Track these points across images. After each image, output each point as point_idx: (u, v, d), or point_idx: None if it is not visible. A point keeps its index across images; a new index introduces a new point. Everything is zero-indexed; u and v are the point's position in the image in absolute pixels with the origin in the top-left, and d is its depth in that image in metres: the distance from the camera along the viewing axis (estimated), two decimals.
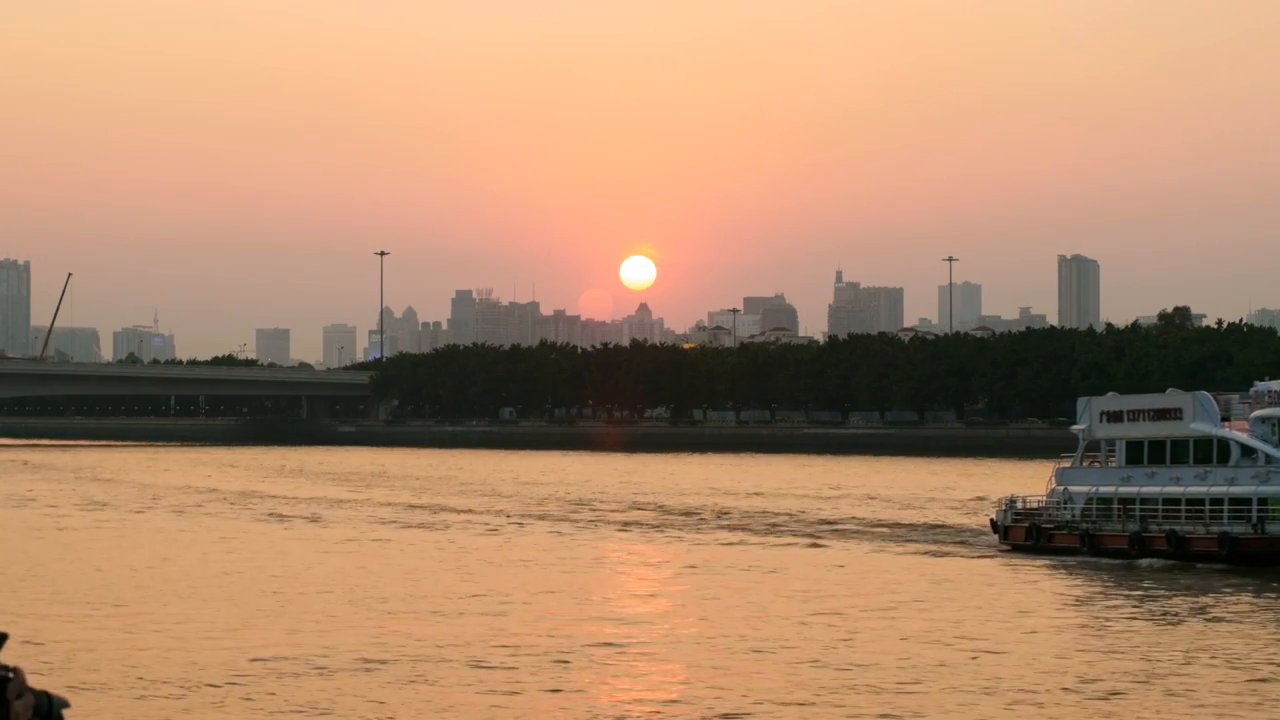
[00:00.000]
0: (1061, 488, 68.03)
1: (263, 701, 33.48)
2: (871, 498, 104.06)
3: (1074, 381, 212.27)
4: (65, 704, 4.48)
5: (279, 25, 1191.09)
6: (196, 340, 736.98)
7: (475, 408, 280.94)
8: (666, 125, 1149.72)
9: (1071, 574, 59.48)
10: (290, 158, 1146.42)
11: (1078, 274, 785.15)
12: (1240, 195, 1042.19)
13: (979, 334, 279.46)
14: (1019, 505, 69.75)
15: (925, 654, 39.66)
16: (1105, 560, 62.25)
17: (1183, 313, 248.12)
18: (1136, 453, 65.93)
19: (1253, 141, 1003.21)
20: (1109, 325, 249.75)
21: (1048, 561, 62.77)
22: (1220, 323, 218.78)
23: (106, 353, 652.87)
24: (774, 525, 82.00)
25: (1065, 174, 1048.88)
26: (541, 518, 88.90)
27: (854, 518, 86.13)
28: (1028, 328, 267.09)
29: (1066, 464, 69.75)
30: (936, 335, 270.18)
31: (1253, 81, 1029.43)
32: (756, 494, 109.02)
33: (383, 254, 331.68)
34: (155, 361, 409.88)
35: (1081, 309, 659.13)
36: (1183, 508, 62.25)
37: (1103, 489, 65.89)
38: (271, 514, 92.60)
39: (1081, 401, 72.14)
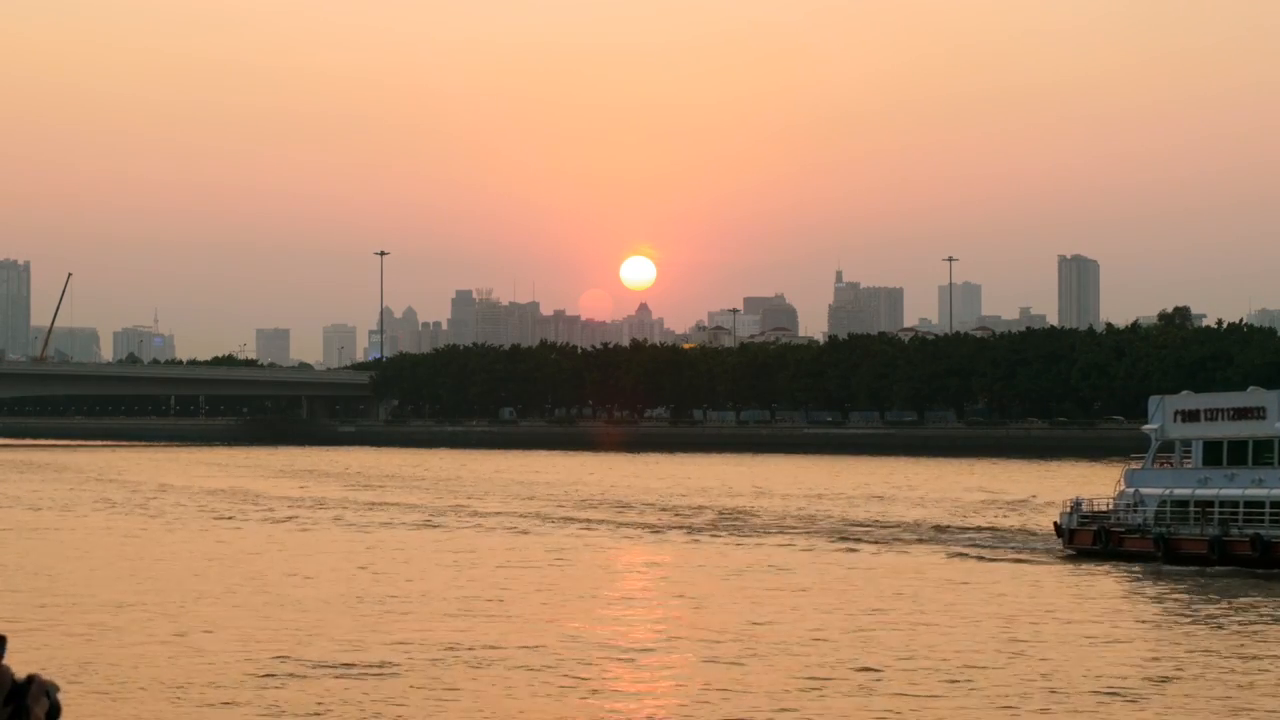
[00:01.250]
0: (1132, 490, 64.94)
1: (271, 703, 33.49)
2: (909, 500, 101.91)
3: (1074, 381, 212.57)
4: (57, 688, 4.66)
5: (279, 25, 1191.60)
6: (196, 340, 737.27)
7: (475, 408, 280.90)
8: (666, 125, 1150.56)
9: (1150, 579, 57.03)
10: (290, 158, 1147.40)
11: (1078, 274, 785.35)
12: (1240, 195, 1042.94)
13: (979, 334, 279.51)
14: (1085, 507, 66.67)
15: (992, 662, 38.42)
16: (1183, 565, 59.59)
17: (1183, 313, 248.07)
18: (1215, 453, 62.99)
19: (1253, 141, 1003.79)
20: (1109, 325, 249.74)
21: (1120, 567, 60.26)
22: (1220, 323, 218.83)
23: (106, 353, 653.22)
24: (816, 529, 79.77)
25: (1065, 174, 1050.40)
26: (546, 518, 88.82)
27: (903, 521, 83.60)
28: (1028, 328, 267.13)
29: (1136, 465, 66.82)
30: (936, 335, 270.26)
31: (1253, 81, 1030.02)
32: (786, 495, 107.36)
33: (383, 254, 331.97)
34: (155, 361, 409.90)
35: (1081, 309, 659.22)
36: (1267, 511, 59.33)
37: (1178, 491, 62.76)
38: (275, 515, 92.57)
39: (1153, 400, 68.47)
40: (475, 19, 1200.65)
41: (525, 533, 79.12)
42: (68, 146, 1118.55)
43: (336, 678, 35.97)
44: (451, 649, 39.96)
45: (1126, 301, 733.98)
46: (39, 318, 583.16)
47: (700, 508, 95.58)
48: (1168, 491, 63.26)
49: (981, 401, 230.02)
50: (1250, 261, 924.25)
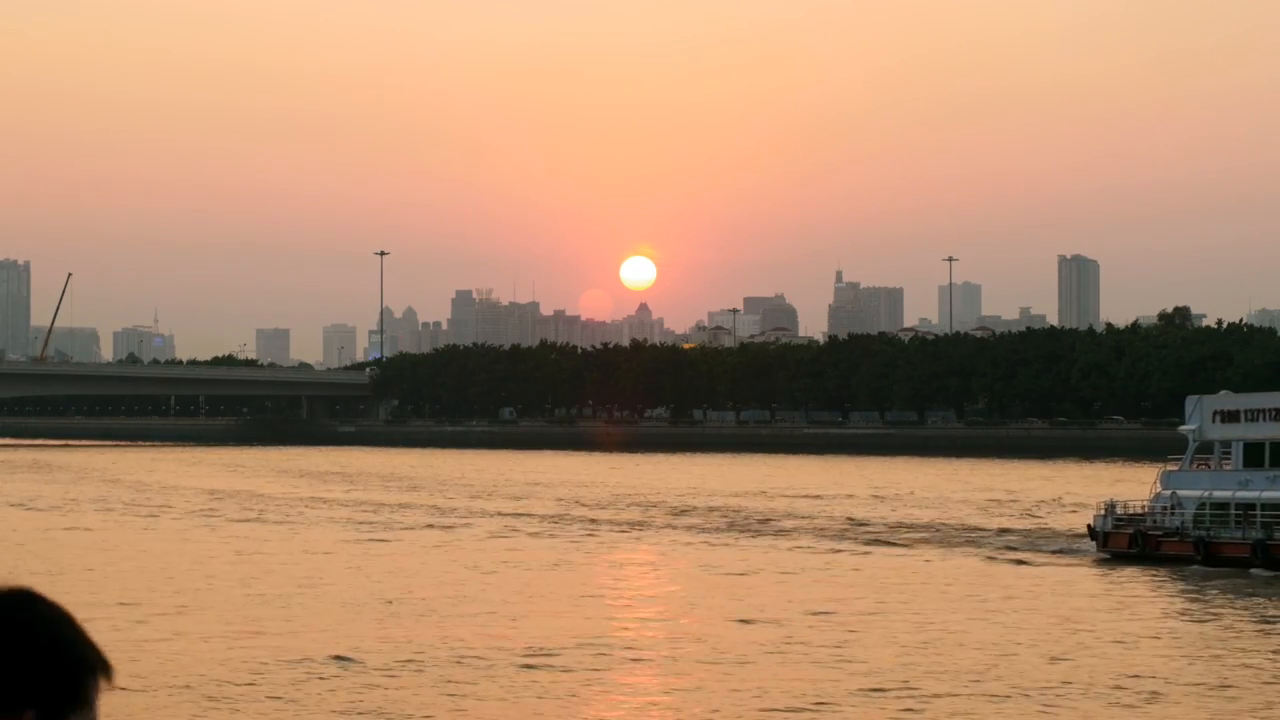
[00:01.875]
0: (1169, 492, 63.58)
1: (277, 704, 33.56)
2: (923, 500, 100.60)
3: (1074, 381, 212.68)
4: None
5: (279, 25, 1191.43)
6: (196, 340, 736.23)
7: (475, 408, 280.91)
8: (666, 124, 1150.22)
9: (1192, 583, 55.67)
10: (291, 157, 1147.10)
11: (1078, 274, 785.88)
12: (1240, 195, 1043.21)
13: (979, 334, 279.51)
14: (1119, 510, 65.07)
15: (1034, 669, 37.83)
16: (1224, 569, 58.40)
17: (1183, 313, 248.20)
18: (1256, 455, 61.76)
19: (1252, 141, 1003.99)
20: (1109, 325, 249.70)
21: (1159, 570, 58.87)
22: (1220, 323, 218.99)
23: (106, 353, 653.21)
24: (835, 530, 78.48)
25: (1065, 174, 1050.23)
26: (550, 518, 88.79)
27: (923, 522, 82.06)
28: (1028, 328, 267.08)
29: (1173, 467, 65.38)
30: (936, 335, 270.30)
31: (1253, 81, 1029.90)
32: (796, 496, 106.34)
33: (383, 254, 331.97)
34: (155, 361, 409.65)
35: (1081, 309, 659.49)
36: None
37: (1218, 493, 61.53)
38: (278, 515, 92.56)
39: (1191, 400, 67.02)
40: (475, 19, 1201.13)
41: (529, 534, 79.12)
42: (68, 146, 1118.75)
43: (341, 679, 36.02)
44: (456, 650, 39.99)
45: (1126, 301, 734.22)
46: (39, 318, 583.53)
47: (706, 508, 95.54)
48: (1207, 494, 62.03)
49: (981, 401, 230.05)
50: (1250, 261, 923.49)
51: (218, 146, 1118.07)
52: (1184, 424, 66.64)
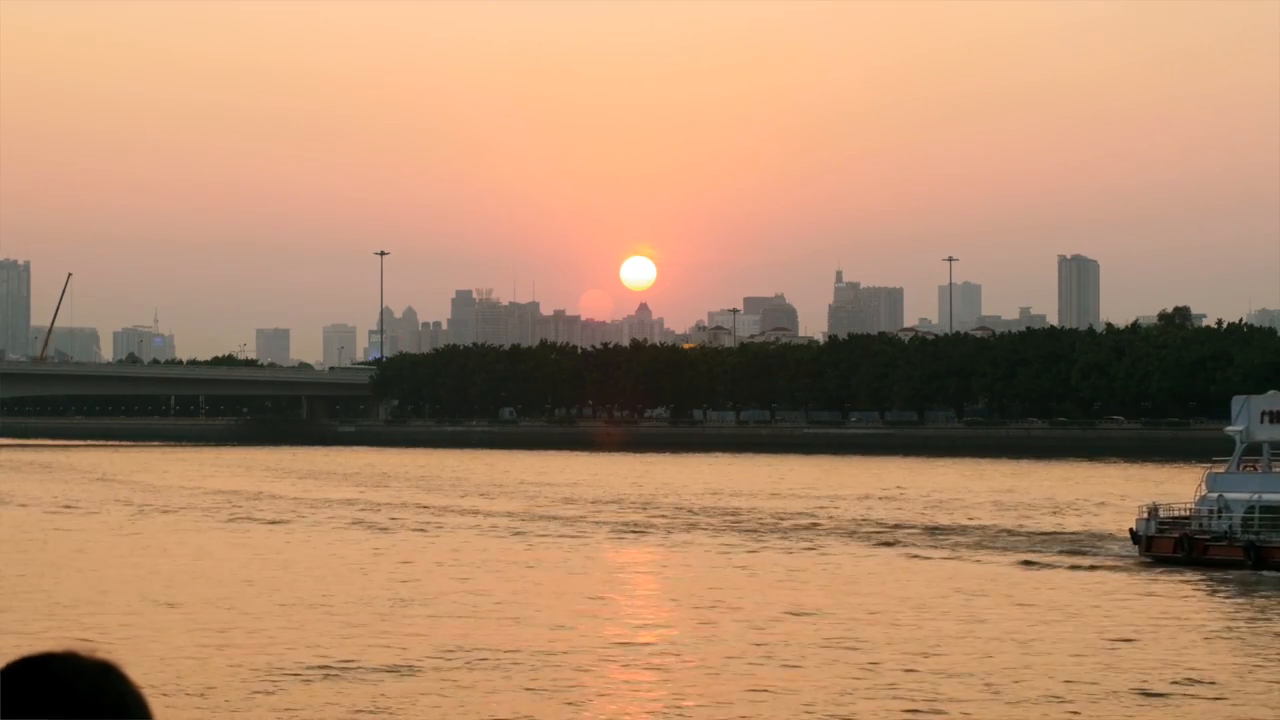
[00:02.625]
0: (1215, 495, 62.26)
1: (280, 704, 33.55)
2: (938, 501, 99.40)
3: (1074, 381, 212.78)
4: None
5: (279, 25, 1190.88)
6: (196, 340, 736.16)
7: (475, 408, 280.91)
8: (666, 124, 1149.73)
9: (1246, 590, 54.58)
10: (290, 157, 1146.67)
11: (1078, 274, 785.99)
12: (1240, 195, 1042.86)
13: (979, 334, 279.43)
14: (1163, 513, 63.62)
15: (1090, 677, 37.13)
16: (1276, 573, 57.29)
17: (1183, 313, 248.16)
18: None
19: (1252, 141, 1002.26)
20: (1109, 325, 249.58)
21: (1207, 576, 57.58)
22: (1220, 323, 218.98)
23: (106, 353, 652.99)
24: (863, 531, 77.99)
25: (1065, 174, 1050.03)
26: (554, 519, 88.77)
27: (946, 524, 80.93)
28: (1028, 328, 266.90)
29: (1219, 469, 64.13)
30: (936, 335, 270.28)
31: (1252, 81, 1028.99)
32: (804, 495, 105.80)
33: (383, 254, 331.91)
34: (155, 361, 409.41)
35: (1081, 309, 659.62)
36: None
37: (1268, 496, 60.54)
38: (282, 516, 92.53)
39: (1238, 401, 65.67)
40: (475, 19, 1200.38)
41: (529, 534, 79.11)
42: (68, 146, 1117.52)
43: (343, 679, 36.00)
44: (460, 651, 39.98)
45: (1126, 301, 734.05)
46: (39, 318, 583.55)
47: (707, 508, 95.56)
48: (1256, 496, 60.90)
49: (981, 401, 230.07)
50: (1250, 261, 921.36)
51: (218, 146, 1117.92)
52: (1231, 424, 65.39)
